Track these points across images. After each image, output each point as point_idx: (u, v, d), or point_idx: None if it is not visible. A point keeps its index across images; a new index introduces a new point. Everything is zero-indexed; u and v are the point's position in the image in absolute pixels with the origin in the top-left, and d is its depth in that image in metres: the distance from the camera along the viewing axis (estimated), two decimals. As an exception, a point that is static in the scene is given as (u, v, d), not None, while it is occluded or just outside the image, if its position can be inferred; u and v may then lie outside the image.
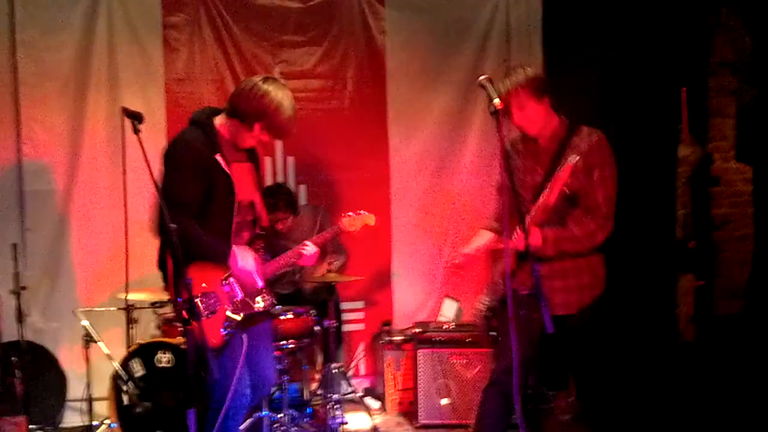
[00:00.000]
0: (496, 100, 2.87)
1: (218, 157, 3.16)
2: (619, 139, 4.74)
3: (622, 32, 4.93)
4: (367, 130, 5.55)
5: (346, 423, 4.69)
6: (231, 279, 3.28)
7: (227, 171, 3.18)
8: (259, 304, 3.40)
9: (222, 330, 3.20)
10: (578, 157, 3.11)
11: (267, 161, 5.42)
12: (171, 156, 3.14)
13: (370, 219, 3.85)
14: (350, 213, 3.78)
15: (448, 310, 5.33)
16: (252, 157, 3.45)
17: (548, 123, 3.44)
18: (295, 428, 4.59)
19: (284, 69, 5.40)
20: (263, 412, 4.34)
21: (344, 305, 5.50)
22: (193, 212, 3.11)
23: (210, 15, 5.24)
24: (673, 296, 5.17)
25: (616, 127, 4.82)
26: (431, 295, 5.60)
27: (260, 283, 3.35)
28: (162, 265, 3.22)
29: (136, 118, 2.82)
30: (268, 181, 5.41)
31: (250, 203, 3.37)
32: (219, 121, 3.28)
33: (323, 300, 4.69)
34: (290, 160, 5.47)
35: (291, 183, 5.46)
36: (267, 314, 3.54)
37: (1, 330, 3.94)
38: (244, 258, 3.26)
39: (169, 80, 5.18)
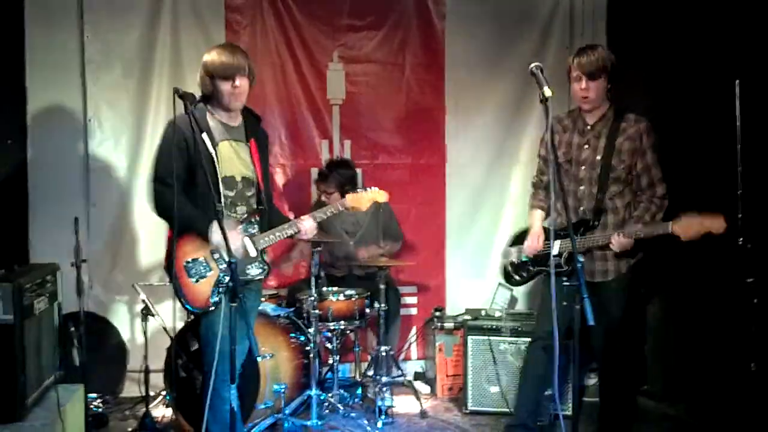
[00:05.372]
0: (546, 89, 2.85)
1: (204, 136, 3.33)
2: (677, 131, 4.63)
3: (687, 22, 4.74)
4: (424, 116, 5.53)
5: (395, 406, 4.73)
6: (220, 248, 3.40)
7: (211, 149, 3.35)
8: (252, 271, 3.53)
9: (211, 296, 3.37)
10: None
11: (323, 144, 5.48)
12: (161, 136, 3.48)
13: (380, 195, 3.80)
14: (358, 189, 3.79)
15: (501, 299, 5.31)
16: (254, 136, 3.60)
17: (602, 103, 3.86)
18: (344, 408, 4.64)
19: (343, 53, 5.44)
20: (313, 391, 4.41)
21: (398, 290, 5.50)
22: (174, 186, 3.24)
23: (272, -2, 5.30)
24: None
25: (674, 119, 4.70)
26: (484, 282, 5.57)
27: (253, 252, 3.48)
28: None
29: (188, 98, 2.99)
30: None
31: (247, 179, 3.53)
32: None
33: (376, 283, 4.71)
34: (347, 143, 5.50)
35: (347, 166, 5.48)
36: (257, 281, 3.64)
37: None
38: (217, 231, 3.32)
39: (231, 63, 5.25)
